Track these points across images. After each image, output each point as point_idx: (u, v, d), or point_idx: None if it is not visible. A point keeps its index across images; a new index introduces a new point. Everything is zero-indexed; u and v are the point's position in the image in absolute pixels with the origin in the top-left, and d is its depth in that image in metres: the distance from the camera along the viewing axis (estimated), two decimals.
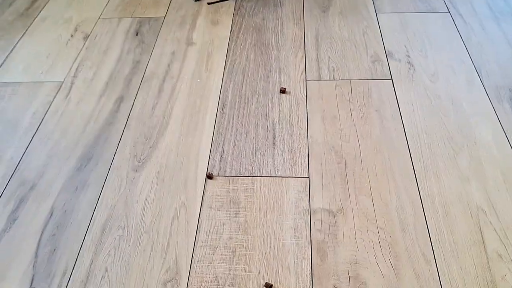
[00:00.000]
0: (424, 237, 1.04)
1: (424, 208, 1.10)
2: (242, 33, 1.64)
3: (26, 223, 1.13)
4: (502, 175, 1.15)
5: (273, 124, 1.32)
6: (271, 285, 0.98)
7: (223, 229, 1.09)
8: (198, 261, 1.03)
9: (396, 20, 1.66)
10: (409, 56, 1.50)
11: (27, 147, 1.31)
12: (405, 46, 1.54)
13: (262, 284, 0.98)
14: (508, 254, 1.01)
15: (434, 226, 1.06)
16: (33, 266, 1.05)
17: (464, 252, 1.01)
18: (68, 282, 1.01)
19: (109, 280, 1.01)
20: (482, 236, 1.04)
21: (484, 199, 1.11)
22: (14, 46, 1.66)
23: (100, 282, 1.01)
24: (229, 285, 0.99)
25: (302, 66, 1.49)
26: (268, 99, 1.39)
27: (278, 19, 1.69)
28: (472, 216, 1.08)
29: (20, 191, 1.20)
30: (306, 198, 1.14)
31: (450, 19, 1.64)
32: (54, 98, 1.45)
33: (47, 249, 1.07)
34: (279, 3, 1.74)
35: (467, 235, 1.04)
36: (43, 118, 1.39)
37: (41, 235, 1.10)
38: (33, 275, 1.03)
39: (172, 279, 1.01)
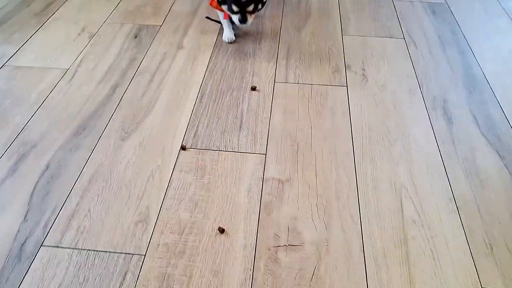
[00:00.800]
0: (354, 204, 1.27)
1: (358, 182, 1.33)
2: (225, 43, 1.91)
3: (24, 173, 1.34)
4: (426, 163, 1.39)
5: (242, 113, 1.56)
6: (223, 229, 1.20)
7: (189, 187, 1.31)
8: (165, 209, 1.25)
9: (358, 41, 1.94)
10: (364, 70, 1.77)
11: (32, 115, 1.54)
12: (362, 62, 1.81)
13: (216, 228, 1.20)
14: (421, 221, 1.23)
15: (363, 196, 1.29)
16: (28, 204, 1.26)
17: (385, 217, 1.24)
18: (56, 217, 1.22)
19: (90, 217, 1.23)
20: (401, 207, 1.27)
21: (408, 179, 1.34)
22: (28, 39, 1.92)
23: (83, 218, 1.22)
24: (189, 228, 1.20)
25: (273, 71, 1.76)
26: (240, 94, 1.64)
27: (258, 34, 1.97)
28: (395, 191, 1.31)
29: (22, 149, 1.42)
30: (261, 170, 1.36)
31: (404, 44, 1.92)
32: (58, 81, 1.69)
33: (41, 193, 1.29)
34: (260, 22, 2.02)
35: (390, 205, 1.27)
36: (48, 95, 1.63)
37: (37, 182, 1.32)
38: (27, 211, 1.24)
39: (143, 220, 1.22)
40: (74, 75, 1.72)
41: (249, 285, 1.08)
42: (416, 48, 1.89)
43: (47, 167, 1.36)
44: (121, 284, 1.08)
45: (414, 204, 1.27)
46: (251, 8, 1.70)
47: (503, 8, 2.17)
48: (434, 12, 2.15)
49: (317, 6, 2.20)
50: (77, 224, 1.21)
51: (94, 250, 1.15)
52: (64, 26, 2.01)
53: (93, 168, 1.36)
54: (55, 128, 1.49)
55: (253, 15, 1.74)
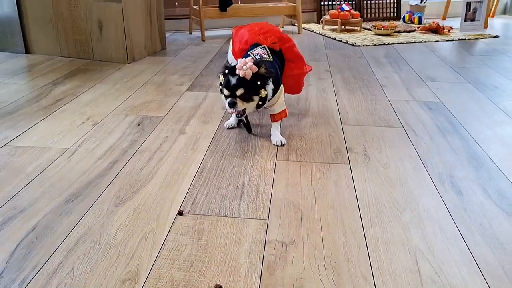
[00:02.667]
0: (365, 265, 1.15)
1: (368, 245, 1.23)
2: (227, 130, 1.94)
3: (8, 234, 1.25)
4: (439, 229, 1.30)
5: (243, 185, 1.51)
6: (221, 286, 1.07)
7: (184, 248, 1.21)
8: (157, 268, 1.13)
9: (358, 129, 1.96)
10: (366, 151, 1.76)
11: (25, 185, 1.49)
12: (363, 145, 1.81)
13: (213, 287, 1.07)
14: (441, 281, 1.11)
15: (375, 257, 1.18)
16: (7, 262, 1.14)
17: (401, 276, 1.11)
18: (35, 275, 1.10)
19: (73, 275, 1.10)
20: (418, 267, 1.15)
21: (422, 243, 1.24)
22: (32, 126, 1.95)
23: (65, 276, 1.10)
24: (182, 287, 1.08)
25: (274, 151, 1.75)
26: (241, 169, 1.61)
27: (259, 125, 2.00)
28: (410, 253, 1.20)
29: (10, 212, 1.34)
30: (263, 233, 1.27)
31: (404, 132, 1.94)
32: (57, 158, 1.67)
33: (23, 251, 1.18)
34: (262, 110, 2.07)
35: (405, 265, 1.15)
36: (45, 168, 1.59)
37: (20, 242, 1.22)
38: (4, 268, 1.12)
39: (131, 278, 1.10)
40: (73, 153, 1.71)
41: None
42: (416, 135, 1.91)
43: (33, 229, 1.27)
44: None
45: (431, 265, 1.16)
46: (239, 92, 1.63)
47: (499, 107, 2.25)
48: (430, 109, 2.22)
49: (315, 103, 2.28)
50: (57, 281, 1.08)
51: None
52: (70, 116, 2.06)
53: (82, 231, 1.27)
54: (48, 196, 1.43)
55: (245, 104, 1.67)
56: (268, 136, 1.87)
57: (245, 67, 1.61)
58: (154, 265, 1.14)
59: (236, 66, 1.62)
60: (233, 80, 1.63)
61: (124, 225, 1.29)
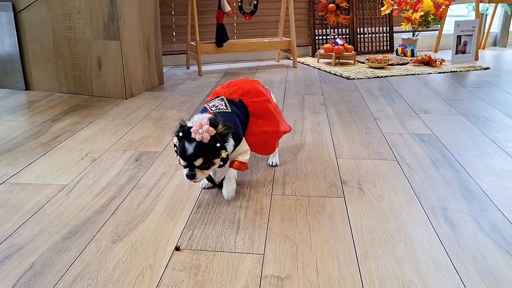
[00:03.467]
0: None
1: (362, 279, 1.24)
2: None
3: (5, 272, 1.26)
4: (433, 262, 1.32)
5: (239, 220, 1.53)
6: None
7: (181, 284, 1.22)
8: None
9: (352, 163, 2.00)
10: (360, 185, 1.79)
11: (24, 223, 1.50)
12: (358, 178, 1.84)
13: None
14: None
15: None
16: None
17: None
18: None
19: None
20: None
21: (416, 277, 1.25)
22: (31, 163, 1.98)
23: None
24: None
25: (270, 186, 1.77)
26: (237, 204, 1.63)
27: (253, 159, 2.04)
28: (404, 287, 1.21)
29: (7, 250, 1.35)
30: (259, 268, 1.29)
31: (398, 165, 1.97)
32: (56, 194, 1.70)
33: None
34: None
35: None
36: (43, 205, 1.61)
37: (17, 281, 1.23)
38: None
39: None
40: (72, 189, 1.73)
41: None
42: (410, 168, 1.94)
43: (31, 267, 1.28)
44: None
45: None
46: (198, 162, 1.47)
47: (490, 139, 2.29)
48: (423, 141, 2.26)
49: (310, 137, 2.32)
50: None
51: None
52: (68, 153, 2.09)
53: (80, 268, 1.28)
54: (46, 233, 1.44)
55: (206, 172, 1.52)
56: (264, 172, 1.89)
57: (201, 130, 1.44)
58: None
59: (191, 130, 1.45)
60: (190, 148, 1.45)
61: (121, 262, 1.30)
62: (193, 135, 1.45)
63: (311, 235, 1.44)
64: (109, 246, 1.38)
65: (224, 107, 1.65)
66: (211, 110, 1.63)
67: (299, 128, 2.44)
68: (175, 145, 1.54)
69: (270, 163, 1.92)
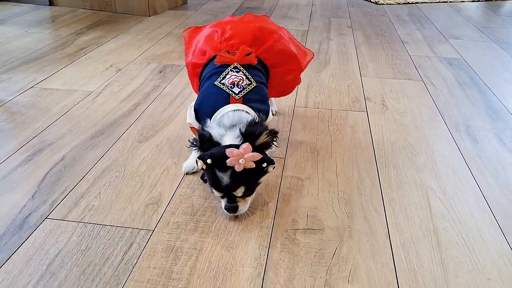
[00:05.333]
0: (377, 200, 1.20)
1: (381, 183, 1.27)
2: None
3: (38, 163, 1.32)
4: (453, 171, 1.33)
5: None
6: None
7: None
8: (179, 195, 1.19)
9: (377, 81, 1.97)
10: (383, 101, 1.78)
11: (53, 122, 1.55)
12: (381, 95, 1.83)
13: (231, 218, 1.12)
14: (451, 216, 1.14)
15: (387, 194, 1.22)
16: (38, 186, 1.22)
17: (411, 210, 1.15)
18: (64, 197, 1.17)
19: (100, 198, 1.17)
20: (429, 203, 1.19)
21: (434, 183, 1.27)
22: (58, 71, 2.01)
23: (92, 199, 1.17)
24: (202, 211, 1.13)
25: (293, 99, 1.77)
26: None
27: None
28: (422, 191, 1.23)
29: (39, 145, 1.41)
30: (280, 169, 1.32)
31: (423, 85, 1.94)
32: (83, 99, 1.73)
33: (52, 178, 1.25)
34: None
35: (416, 202, 1.19)
36: (71, 108, 1.65)
37: (49, 170, 1.29)
38: (36, 191, 1.20)
39: (154, 203, 1.16)
40: (98, 95, 1.77)
41: (264, 260, 0.98)
42: (436, 88, 1.91)
43: (62, 159, 1.34)
44: (125, 253, 0.99)
45: (442, 202, 1.19)
46: (240, 192, 1.06)
47: None
48: (451, 64, 2.21)
49: (336, 56, 2.28)
50: (85, 203, 1.15)
51: (100, 224, 1.08)
52: (93, 63, 2.11)
53: (108, 163, 1.33)
54: (74, 132, 1.49)
55: (248, 199, 1.11)
56: None
57: (241, 160, 1.01)
58: (176, 192, 1.20)
59: (227, 161, 1.01)
60: (226, 178, 1.04)
61: (147, 159, 1.35)
62: (229, 164, 1.01)
63: (332, 143, 1.46)
64: (135, 145, 1.42)
65: (248, 82, 1.19)
66: (235, 96, 1.15)
67: (324, 49, 2.40)
68: (202, 169, 1.09)
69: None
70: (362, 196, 1.21)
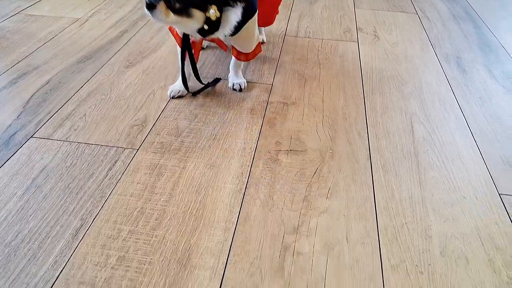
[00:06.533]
0: (361, 123, 1.20)
1: (366, 108, 1.27)
2: None
3: (23, 86, 1.31)
4: (438, 99, 1.33)
5: None
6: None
7: (190, 103, 1.26)
8: (164, 117, 1.20)
9: (370, 13, 1.93)
10: (375, 32, 1.75)
11: (39, 47, 1.53)
12: (374, 26, 1.80)
13: (215, 135, 1.14)
14: (433, 140, 1.15)
15: (372, 118, 1.23)
16: (23, 107, 1.22)
17: (394, 135, 1.17)
18: (50, 118, 1.18)
19: (85, 120, 1.17)
20: (412, 128, 1.20)
21: (419, 109, 1.28)
22: None
23: (78, 120, 1.17)
24: (187, 132, 1.14)
25: (284, 28, 1.74)
26: None
27: None
28: (406, 116, 1.24)
29: (24, 69, 1.40)
30: (266, 95, 1.31)
31: (417, 18, 1.91)
32: (69, 25, 1.70)
33: (38, 100, 1.25)
34: None
35: (399, 126, 1.20)
36: (57, 34, 1.62)
37: (35, 92, 1.28)
38: (21, 112, 1.20)
39: (139, 124, 1.17)
40: (85, 22, 1.73)
41: (245, 178, 1.00)
42: (429, 21, 1.88)
43: (47, 82, 1.33)
44: (110, 169, 1.01)
45: (425, 127, 1.20)
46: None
47: None
48: None
49: None
50: (70, 124, 1.16)
51: (86, 143, 1.09)
52: None
53: (94, 86, 1.32)
54: (60, 57, 1.47)
55: (172, 17, 1.02)
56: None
57: None
58: (161, 115, 1.20)
59: None
60: None
61: (133, 83, 1.34)
62: None
63: (321, 71, 1.45)
64: (122, 70, 1.41)
65: None
66: None
67: None
68: None
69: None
70: (347, 120, 1.21)
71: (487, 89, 1.39)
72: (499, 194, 0.98)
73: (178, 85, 1.28)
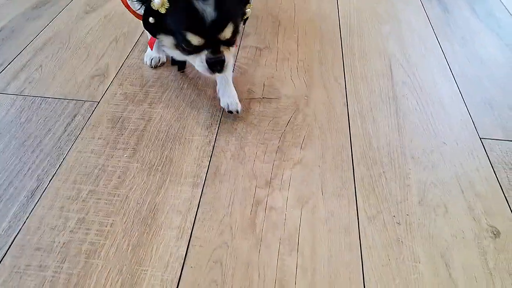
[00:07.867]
0: (338, 68, 1.14)
1: (343, 52, 1.20)
2: None
3: None
4: (419, 39, 1.26)
5: None
6: None
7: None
8: (127, 66, 1.11)
9: None
10: None
11: None
12: None
13: (183, 84, 1.06)
14: (412, 83, 1.10)
15: (349, 62, 1.16)
16: None
17: (372, 79, 1.10)
18: (1, 71, 1.08)
19: (41, 71, 1.08)
20: (391, 71, 1.13)
21: (398, 51, 1.21)
22: None
23: (33, 72, 1.08)
24: (152, 82, 1.07)
25: None
26: None
27: None
28: (384, 59, 1.18)
29: None
30: (238, 40, 1.23)
31: None
32: None
33: None
34: None
35: (378, 70, 1.14)
36: None
37: None
38: None
39: (100, 74, 1.08)
40: None
41: (215, 129, 0.94)
42: None
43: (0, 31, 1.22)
44: (68, 124, 0.94)
45: (404, 69, 1.14)
46: (228, 33, 0.82)
47: None
48: None
49: None
50: (25, 76, 1.07)
51: (42, 97, 1.01)
52: None
53: (51, 34, 1.22)
54: (13, 2, 1.35)
55: (232, 49, 0.87)
56: None
57: None
58: (124, 63, 1.12)
59: None
60: (209, 11, 0.77)
61: (94, 30, 1.24)
62: None
63: (296, 14, 1.36)
64: (82, 15, 1.31)
65: None
66: None
67: None
68: (152, 13, 0.80)
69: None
70: (323, 65, 1.15)
71: (470, 29, 1.33)
72: (480, 138, 0.94)
73: (155, 52, 1.10)
